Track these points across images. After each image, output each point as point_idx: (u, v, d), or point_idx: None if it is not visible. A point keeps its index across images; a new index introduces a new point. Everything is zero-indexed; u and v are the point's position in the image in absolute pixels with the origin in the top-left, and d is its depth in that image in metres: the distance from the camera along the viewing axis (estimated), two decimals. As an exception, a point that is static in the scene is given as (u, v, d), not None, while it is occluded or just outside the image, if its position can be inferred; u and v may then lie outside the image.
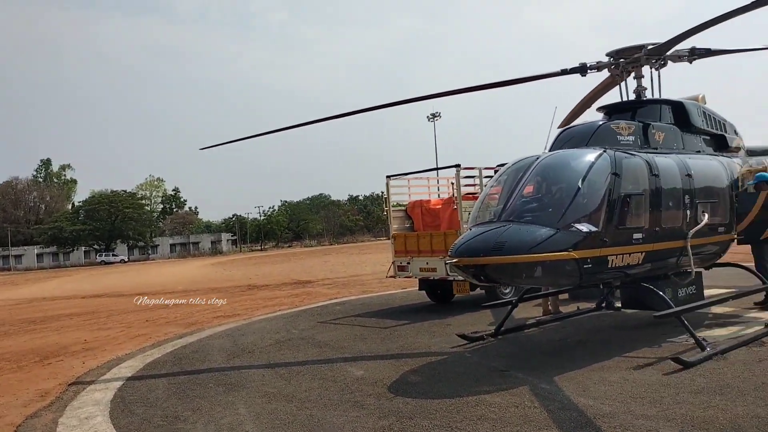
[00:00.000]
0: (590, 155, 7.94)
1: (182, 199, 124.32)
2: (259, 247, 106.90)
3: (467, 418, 6.13)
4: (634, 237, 8.00)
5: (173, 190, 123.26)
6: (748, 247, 10.42)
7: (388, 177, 13.59)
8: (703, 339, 7.86)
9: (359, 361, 9.03)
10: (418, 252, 12.90)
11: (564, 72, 9.81)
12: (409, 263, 13.16)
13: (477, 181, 12.68)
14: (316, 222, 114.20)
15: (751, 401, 5.87)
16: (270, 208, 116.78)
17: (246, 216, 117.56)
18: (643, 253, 8.18)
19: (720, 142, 10.32)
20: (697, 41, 9.28)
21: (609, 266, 7.82)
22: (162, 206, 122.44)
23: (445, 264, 12.24)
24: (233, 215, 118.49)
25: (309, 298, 18.44)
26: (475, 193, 12.62)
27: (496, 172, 13.62)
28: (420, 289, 14.05)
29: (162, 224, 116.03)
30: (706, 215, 8.84)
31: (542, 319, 10.68)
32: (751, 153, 11.51)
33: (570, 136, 8.82)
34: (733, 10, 7.85)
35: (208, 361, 10.03)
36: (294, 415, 6.73)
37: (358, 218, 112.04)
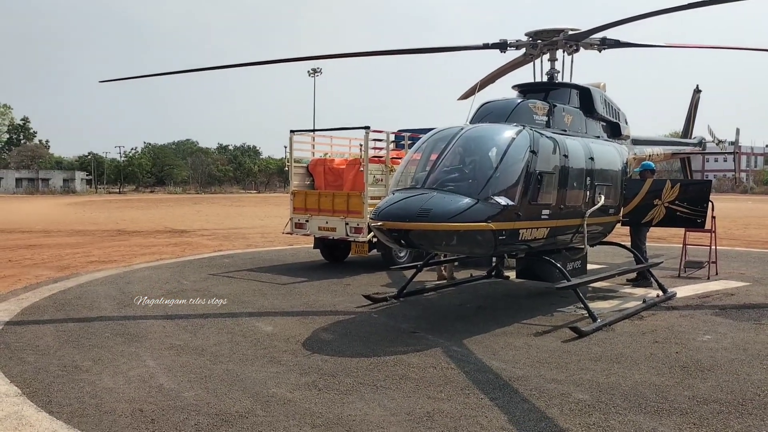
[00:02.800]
0: (511, 131, 8.24)
1: (32, 131, 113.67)
2: (118, 190, 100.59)
3: (389, 377, 6.28)
4: (543, 213, 8.46)
5: (22, 119, 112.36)
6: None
7: (292, 132, 13.29)
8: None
9: (265, 317, 8.90)
10: (319, 210, 12.79)
11: (486, 46, 10.05)
12: (307, 221, 13.04)
13: (384, 144, 12.72)
14: (182, 168, 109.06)
15: (645, 370, 6.49)
16: (132, 149, 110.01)
17: (104, 155, 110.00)
18: (548, 229, 8.68)
19: (615, 130, 11.07)
20: (609, 33, 9.83)
21: (519, 239, 8.23)
22: (8, 136, 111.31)
23: (347, 225, 12.36)
24: (89, 153, 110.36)
25: (191, 248, 17.78)
26: (382, 157, 12.70)
27: (396, 137, 13.80)
28: (315, 247, 13.99)
29: (7, 156, 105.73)
30: (602, 197, 9.52)
31: (440, 284, 11.05)
32: (635, 142, 12.47)
33: (490, 110, 9.09)
34: (648, 13, 8.44)
35: (96, 309, 9.44)
36: (209, 369, 6.54)
37: (228, 168, 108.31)
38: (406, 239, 7.62)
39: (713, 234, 12.32)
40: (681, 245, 13.23)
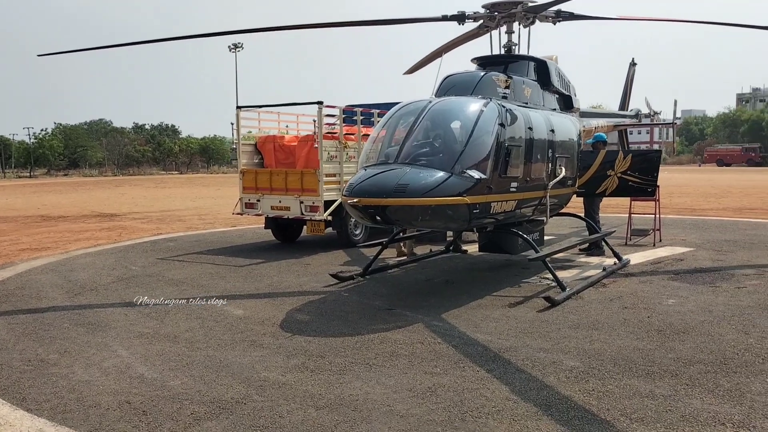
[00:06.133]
0: (479, 104, 8.22)
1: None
2: (28, 174, 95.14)
3: (380, 354, 6.19)
4: (511, 186, 8.52)
5: None
6: None
7: (238, 108, 12.82)
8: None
9: (231, 300, 8.59)
10: (271, 189, 12.42)
11: (444, 18, 9.94)
12: (259, 200, 12.66)
13: (333, 120, 12.48)
14: (97, 150, 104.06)
15: (625, 335, 6.67)
16: (42, 130, 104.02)
17: (11, 137, 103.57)
18: (515, 201, 8.76)
19: (567, 102, 11.23)
20: (564, 6, 9.92)
21: (491, 212, 8.26)
22: None
23: (302, 203, 12.09)
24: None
25: (127, 233, 16.99)
26: (335, 133, 12.45)
27: (343, 112, 13.55)
28: (266, 227, 13.63)
29: None
30: (563, 169, 9.68)
31: (402, 260, 11.01)
32: (582, 115, 12.73)
33: (454, 83, 9.03)
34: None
35: (45, 299, 8.87)
36: (189, 356, 6.26)
37: (147, 149, 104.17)
38: (382, 215, 7.49)
39: (657, 202, 12.81)
40: (615, 215, 13.70)
